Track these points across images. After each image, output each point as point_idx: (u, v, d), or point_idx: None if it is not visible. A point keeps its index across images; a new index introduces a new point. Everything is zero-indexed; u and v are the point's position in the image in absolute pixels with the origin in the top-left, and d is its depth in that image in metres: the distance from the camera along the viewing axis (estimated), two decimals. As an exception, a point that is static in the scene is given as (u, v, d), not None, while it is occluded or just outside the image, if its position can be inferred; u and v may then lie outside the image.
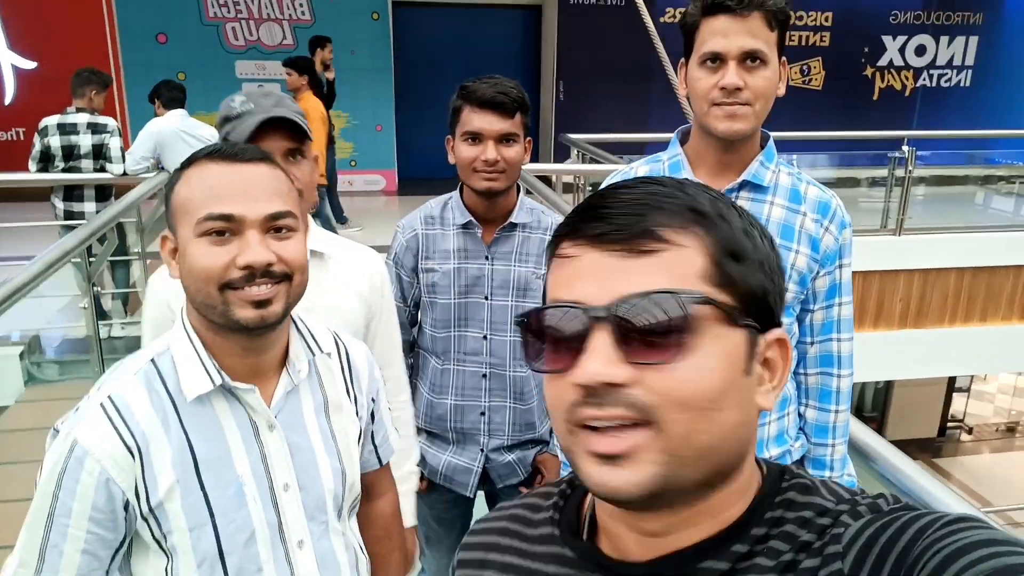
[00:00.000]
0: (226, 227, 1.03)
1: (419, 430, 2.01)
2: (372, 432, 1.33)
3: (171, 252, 1.09)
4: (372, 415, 1.32)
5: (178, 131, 4.93)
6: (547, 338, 0.58)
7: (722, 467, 0.58)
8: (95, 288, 4.15)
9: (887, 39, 9.90)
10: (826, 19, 9.66)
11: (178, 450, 1.07)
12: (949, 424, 11.31)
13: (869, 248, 5.83)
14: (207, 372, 1.08)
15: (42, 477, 1.05)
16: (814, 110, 9.43)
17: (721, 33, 1.36)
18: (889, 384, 9.98)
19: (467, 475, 1.96)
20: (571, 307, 0.57)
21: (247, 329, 1.06)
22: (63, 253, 3.05)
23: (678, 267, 0.56)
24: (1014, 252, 5.99)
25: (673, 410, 0.54)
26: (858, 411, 9.77)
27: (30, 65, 8.06)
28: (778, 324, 0.61)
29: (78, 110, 4.83)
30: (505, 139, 1.76)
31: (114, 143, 4.84)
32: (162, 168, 5.08)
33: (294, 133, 1.47)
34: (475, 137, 1.76)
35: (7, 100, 8.09)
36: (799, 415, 1.62)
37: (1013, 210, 9.13)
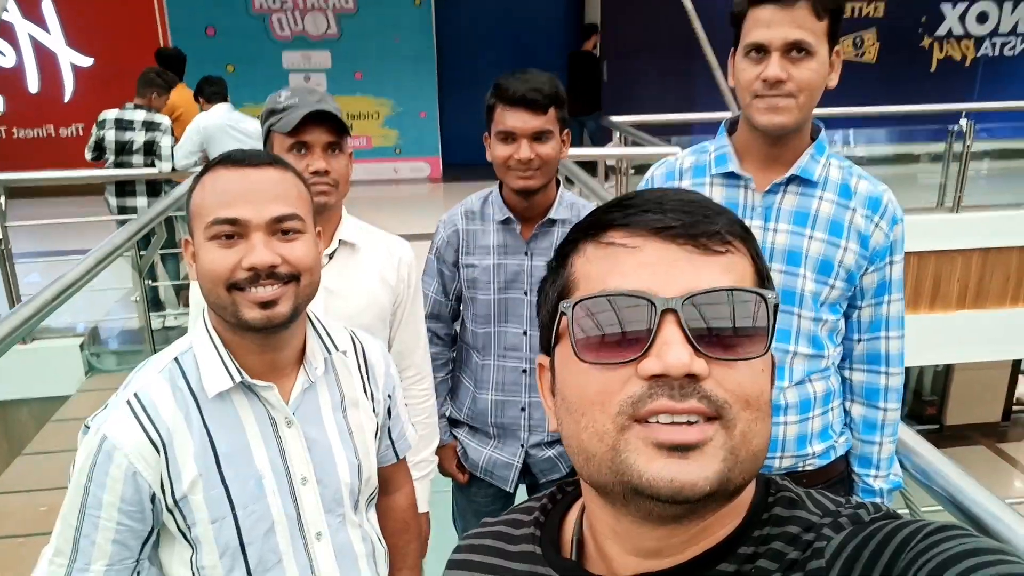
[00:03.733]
0: (233, 230, 1.07)
1: (461, 424, 2.04)
2: (389, 427, 1.37)
3: (191, 256, 1.13)
4: (388, 411, 1.35)
5: (224, 125, 5.02)
6: (601, 328, 0.56)
7: (754, 475, 0.56)
8: (146, 281, 4.27)
9: (946, 7, 9.51)
10: (880, -12, 9.32)
11: (200, 445, 1.11)
12: (1014, 408, 10.93)
13: (925, 228, 5.64)
14: (227, 370, 1.12)
15: (74, 471, 1.10)
16: (867, 84, 9.11)
17: (765, 23, 1.32)
18: (949, 367, 9.67)
19: (507, 470, 1.97)
20: (640, 297, 0.54)
21: (256, 329, 1.09)
22: (114, 248, 3.14)
23: (740, 271, 0.57)
24: (1082, 229, 5.73)
25: (739, 407, 0.53)
26: (916, 395, 9.49)
27: (87, 62, 8.29)
28: None
29: (136, 107, 4.99)
30: (539, 136, 1.73)
31: (165, 141, 4.96)
32: (210, 162, 5.19)
33: (333, 127, 1.56)
34: (509, 136, 1.74)
35: (66, 97, 8.35)
36: (844, 411, 1.58)
37: (1082, 184, 8.71)
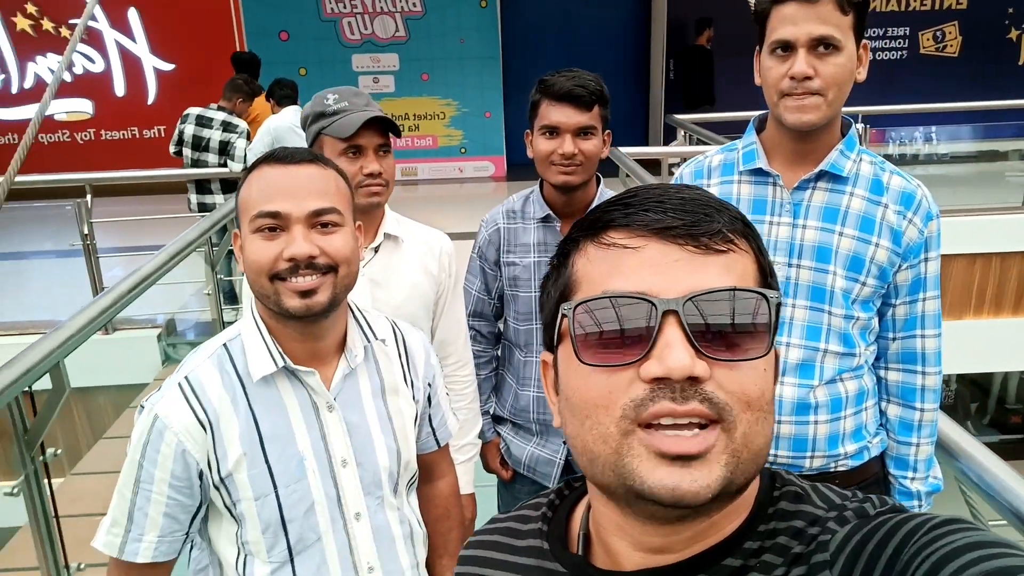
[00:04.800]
0: (275, 223, 1.14)
1: (504, 420, 2.07)
2: (429, 415, 1.41)
3: (240, 248, 1.21)
4: (428, 399, 1.39)
5: (291, 127, 5.20)
6: (603, 330, 0.55)
7: (756, 474, 0.57)
8: (219, 275, 4.47)
9: (1036, -3, 9.02)
10: (964, -21, 8.92)
11: (245, 426, 1.18)
12: (1109, 419, 10.27)
13: (1011, 227, 5.39)
14: (271, 356, 1.19)
15: (130, 447, 1.18)
16: (949, 79, 8.76)
17: (790, 20, 1.32)
18: (1035, 375, 9.18)
19: (550, 466, 1.98)
20: (640, 298, 0.54)
21: (297, 316, 1.16)
22: (187, 243, 3.30)
23: (741, 270, 0.57)
24: None
25: (741, 408, 0.53)
26: (1000, 402, 9.04)
27: (169, 67, 8.70)
28: None
29: (219, 108, 5.24)
30: (583, 132, 1.76)
31: (240, 143, 5.18)
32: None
33: (382, 130, 1.62)
34: (553, 131, 1.76)
35: (150, 100, 8.78)
36: (880, 411, 1.55)
37: None
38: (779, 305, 0.56)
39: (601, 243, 0.58)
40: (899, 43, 9.16)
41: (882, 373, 1.53)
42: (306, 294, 1.14)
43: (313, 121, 1.65)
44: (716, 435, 0.52)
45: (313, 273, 1.14)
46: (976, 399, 8.90)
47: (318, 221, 1.16)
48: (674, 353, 0.52)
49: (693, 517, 0.55)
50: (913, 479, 1.51)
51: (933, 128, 8.85)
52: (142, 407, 1.21)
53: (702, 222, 0.56)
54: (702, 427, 0.52)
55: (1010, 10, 9.05)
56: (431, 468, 1.46)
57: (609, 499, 0.58)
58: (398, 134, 1.66)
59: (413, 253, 1.74)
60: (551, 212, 1.87)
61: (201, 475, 1.18)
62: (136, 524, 1.17)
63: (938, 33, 9.07)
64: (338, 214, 1.18)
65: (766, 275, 0.59)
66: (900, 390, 1.51)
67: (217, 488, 1.19)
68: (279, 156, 1.19)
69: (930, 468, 1.52)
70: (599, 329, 0.56)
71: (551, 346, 0.63)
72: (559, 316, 0.60)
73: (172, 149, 5.32)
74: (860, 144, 1.47)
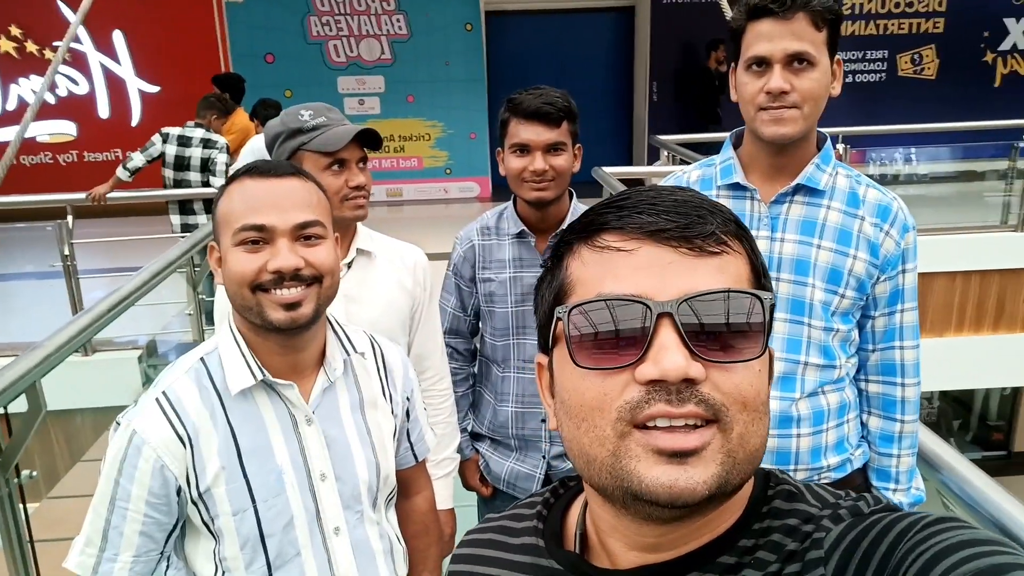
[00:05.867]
0: (259, 236, 1.14)
1: (483, 437, 2.06)
2: (408, 430, 1.40)
3: (217, 261, 1.20)
4: (407, 414, 1.39)
5: (277, 147, 5.20)
6: (598, 333, 0.56)
7: (752, 474, 0.57)
8: (201, 295, 4.44)
9: (1010, 21, 9.22)
10: (939, 3, 9.09)
11: (224, 440, 1.17)
12: (1089, 436, 10.35)
13: (989, 246, 5.47)
14: (249, 369, 1.18)
15: (105, 465, 1.16)
16: (927, 101, 8.91)
17: (766, 37, 1.34)
18: (1017, 391, 9.25)
19: (530, 481, 1.97)
20: (635, 301, 0.54)
21: (280, 329, 1.15)
22: (167, 263, 3.28)
23: (735, 271, 0.57)
24: None
25: (736, 410, 0.54)
26: (982, 420, 9.10)
27: (154, 89, 8.70)
28: None
29: (196, 125, 5.23)
30: (553, 148, 1.77)
31: (220, 158, 5.17)
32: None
33: (362, 144, 1.63)
34: (523, 148, 1.78)
35: (134, 122, 8.76)
36: (862, 424, 1.55)
37: None
38: (773, 306, 0.57)
39: (595, 246, 0.58)
40: (878, 66, 9.31)
41: (862, 385, 1.54)
42: (291, 307, 1.13)
43: (289, 137, 1.63)
44: (712, 433, 0.53)
45: (298, 285, 1.14)
46: (959, 416, 8.95)
47: (302, 234, 1.16)
48: (669, 355, 0.52)
49: (689, 516, 0.55)
50: (895, 490, 1.52)
51: (912, 149, 8.97)
52: (117, 424, 1.19)
53: (695, 224, 0.56)
54: (698, 426, 0.53)
55: (986, 34, 9.24)
56: (408, 484, 1.45)
57: (605, 500, 0.58)
58: (379, 147, 1.67)
59: (387, 268, 1.74)
60: (525, 228, 1.88)
61: (179, 491, 1.16)
62: (111, 543, 1.15)
63: (916, 56, 9.23)
64: (322, 227, 1.18)
65: (759, 275, 0.60)
66: (880, 402, 1.52)
67: (195, 504, 1.17)
68: (261, 169, 1.19)
69: (912, 479, 1.53)
70: (594, 332, 0.56)
71: (546, 348, 0.63)
72: (554, 319, 0.60)
73: (139, 155, 5.18)
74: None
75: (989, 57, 9.32)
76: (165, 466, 1.14)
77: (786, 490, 0.61)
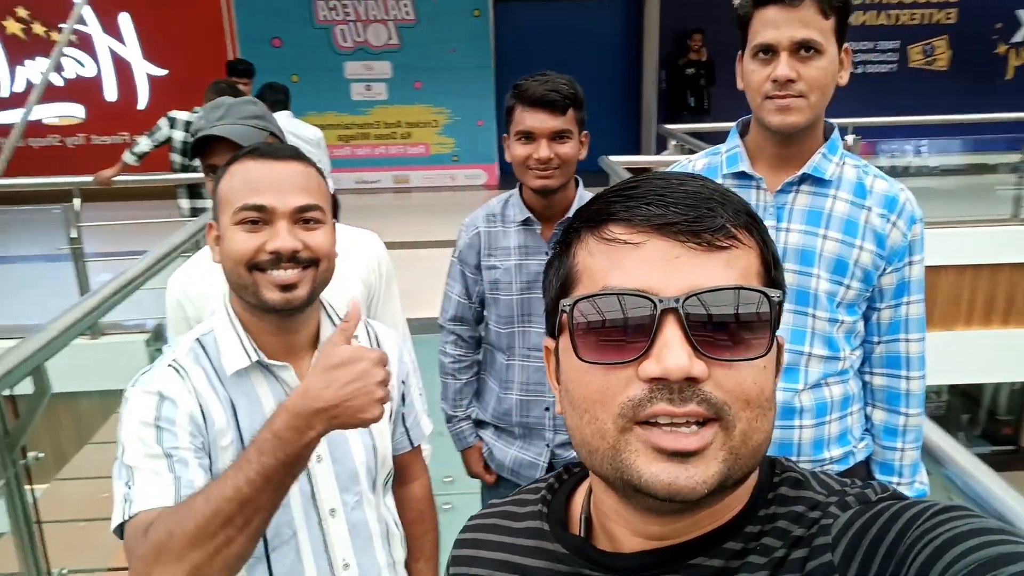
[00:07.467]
0: (259, 216, 1.14)
1: (486, 424, 2.06)
2: (403, 414, 1.40)
3: (215, 239, 1.20)
4: (403, 398, 1.39)
5: (283, 131, 5.20)
6: (602, 328, 0.55)
7: (755, 468, 0.57)
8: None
9: (1022, 13, 9.13)
10: (952, -5, 9.03)
11: (228, 416, 1.17)
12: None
13: (1000, 240, 5.44)
14: (244, 349, 1.18)
15: (133, 426, 1.09)
16: (939, 93, 8.83)
17: (772, 24, 1.32)
18: (1025, 386, 9.23)
19: (533, 470, 1.98)
20: (640, 295, 0.54)
21: (275, 310, 1.15)
22: (173, 247, 3.29)
23: (744, 266, 0.56)
24: None
25: (739, 407, 0.53)
26: (991, 414, 9.08)
27: (161, 72, 8.69)
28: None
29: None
30: (558, 136, 1.76)
31: None
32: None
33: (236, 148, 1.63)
34: (528, 136, 1.77)
35: (141, 105, 8.75)
36: (865, 416, 1.55)
37: None
38: (781, 303, 0.56)
39: (602, 237, 0.58)
40: (889, 56, 9.24)
41: (867, 377, 1.53)
42: (287, 288, 1.14)
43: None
44: (714, 432, 0.53)
45: (295, 266, 1.15)
46: (967, 410, 8.92)
47: (301, 217, 1.16)
48: (672, 353, 0.52)
49: (690, 510, 0.55)
50: (899, 484, 1.51)
51: (923, 141, 8.92)
52: (127, 398, 1.13)
53: (704, 217, 0.55)
54: (700, 424, 0.52)
55: (998, 25, 9.15)
56: (405, 470, 1.45)
57: (608, 488, 0.59)
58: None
59: (341, 258, 1.71)
60: (531, 215, 1.87)
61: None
62: (179, 462, 1.07)
63: (927, 47, 9.15)
64: (321, 211, 1.19)
65: (770, 268, 0.59)
66: (885, 395, 1.51)
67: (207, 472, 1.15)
68: (263, 151, 1.19)
69: (916, 473, 1.52)
70: (598, 326, 0.55)
71: (553, 332, 0.63)
72: (559, 309, 0.59)
73: (133, 159, 5.11)
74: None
75: (1001, 49, 9.25)
76: (193, 417, 1.11)
77: (792, 477, 0.60)
